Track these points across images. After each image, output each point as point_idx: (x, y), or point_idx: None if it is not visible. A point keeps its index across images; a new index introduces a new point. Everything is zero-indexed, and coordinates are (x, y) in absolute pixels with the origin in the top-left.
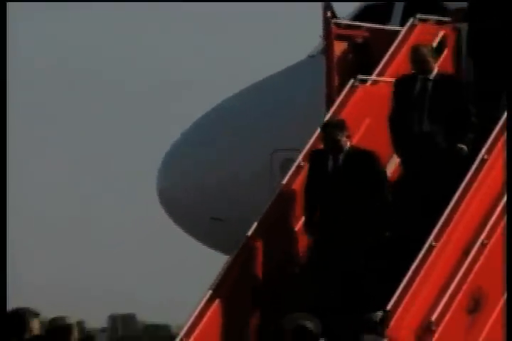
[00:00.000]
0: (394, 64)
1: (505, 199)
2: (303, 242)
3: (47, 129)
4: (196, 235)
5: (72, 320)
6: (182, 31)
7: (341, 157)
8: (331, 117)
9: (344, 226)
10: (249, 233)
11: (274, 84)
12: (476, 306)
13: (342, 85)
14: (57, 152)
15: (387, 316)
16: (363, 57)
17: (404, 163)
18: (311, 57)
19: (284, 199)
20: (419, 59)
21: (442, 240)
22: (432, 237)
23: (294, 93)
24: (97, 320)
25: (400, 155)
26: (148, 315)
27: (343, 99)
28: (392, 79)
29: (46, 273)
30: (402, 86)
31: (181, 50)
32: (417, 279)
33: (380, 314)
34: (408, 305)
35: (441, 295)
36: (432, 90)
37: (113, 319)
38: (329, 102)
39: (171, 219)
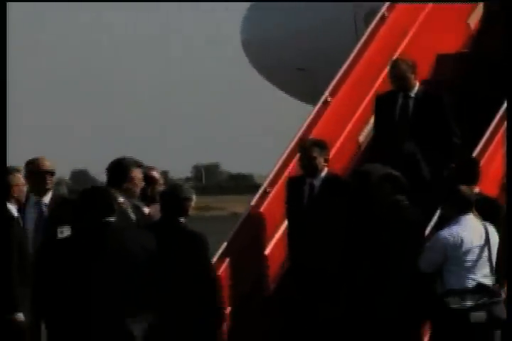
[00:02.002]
0: None
1: None
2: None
3: None
4: (280, 85)
5: (158, 170)
6: None
7: (317, 184)
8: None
9: (318, 259)
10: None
11: None
12: None
13: None
14: None
15: (472, 164)
16: None
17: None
18: None
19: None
20: (397, 75)
21: None
22: None
23: None
24: (181, 170)
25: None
26: (231, 164)
27: None
28: None
29: (130, 122)
30: (383, 104)
31: None
32: (501, 129)
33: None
34: (492, 155)
35: None
36: (413, 108)
37: (197, 169)
38: None
39: (255, 69)
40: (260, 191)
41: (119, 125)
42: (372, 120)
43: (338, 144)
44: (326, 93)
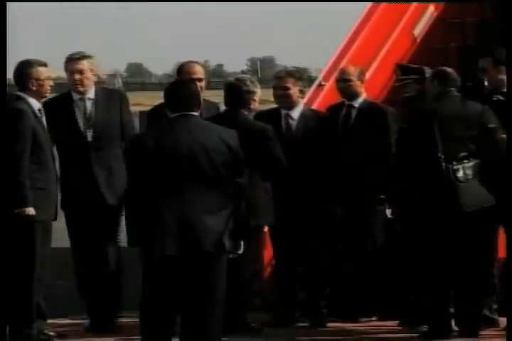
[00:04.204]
0: None
1: None
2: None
3: None
4: None
5: (213, 63)
6: None
7: (295, 115)
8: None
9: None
10: None
11: None
12: None
13: None
14: None
15: None
16: None
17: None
18: None
19: None
20: (343, 78)
21: None
22: None
23: None
24: (237, 63)
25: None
26: (287, 58)
27: None
28: None
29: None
30: (330, 114)
31: None
32: None
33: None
34: None
35: None
36: (354, 120)
37: (252, 62)
38: None
39: None
40: (315, 84)
41: (173, 18)
42: (428, 13)
43: (393, 37)
44: None
